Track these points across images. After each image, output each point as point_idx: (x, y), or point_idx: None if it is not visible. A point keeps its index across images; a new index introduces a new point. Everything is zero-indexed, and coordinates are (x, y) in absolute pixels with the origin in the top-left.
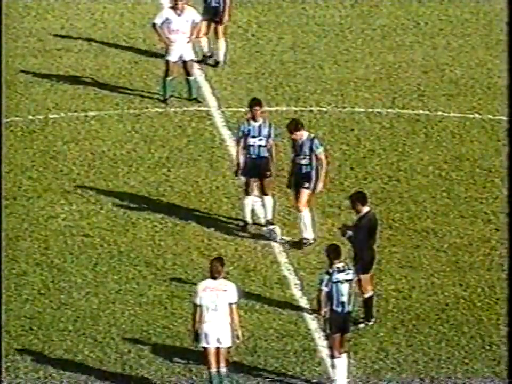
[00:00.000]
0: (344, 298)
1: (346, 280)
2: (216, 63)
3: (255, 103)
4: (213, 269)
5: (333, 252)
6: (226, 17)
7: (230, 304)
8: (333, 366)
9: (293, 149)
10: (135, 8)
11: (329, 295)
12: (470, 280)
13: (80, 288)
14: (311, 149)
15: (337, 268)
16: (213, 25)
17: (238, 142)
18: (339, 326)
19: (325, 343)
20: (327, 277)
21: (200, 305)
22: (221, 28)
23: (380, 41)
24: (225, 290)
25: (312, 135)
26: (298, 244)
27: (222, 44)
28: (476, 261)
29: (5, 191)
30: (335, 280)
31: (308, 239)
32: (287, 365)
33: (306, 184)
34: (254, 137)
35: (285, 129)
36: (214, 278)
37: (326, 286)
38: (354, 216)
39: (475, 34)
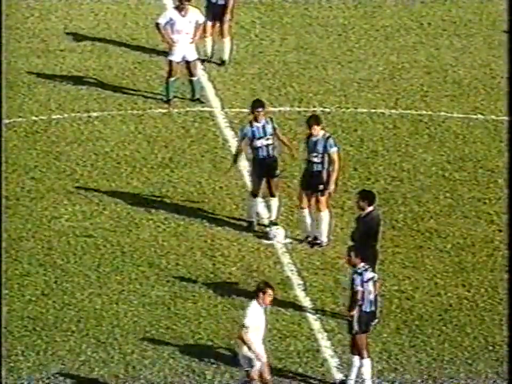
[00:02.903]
0: (372, 297)
1: (372, 278)
2: (222, 62)
3: (258, 105)
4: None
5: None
6: (229, 15)
7: (242, 325)
8: (362, 366)
9: (306, 147)
10: (138, 8)
11: (362, 295)
12: (473, 280)
13: (83, 288)
14: (324, 148)
15: (363, 267)
16: (217, 24)
17: (239, 145)
18: (367, 325)
19: (328, 343)
20: (359, 277)
21: None
22: (226, 26)
23: (383, 42)
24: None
25: (328, 134)
26: (310, 244)
27: (227, 42)
28: (479, 262)
29: (8, 191)
30: (366, 280)
31: (322, 241)
32: (290, 365)
33: (321, 187)
34: (260, 138)
35: (288, 131)
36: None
37: (361, 286)
38: (357, 214)
39: (478, 35)
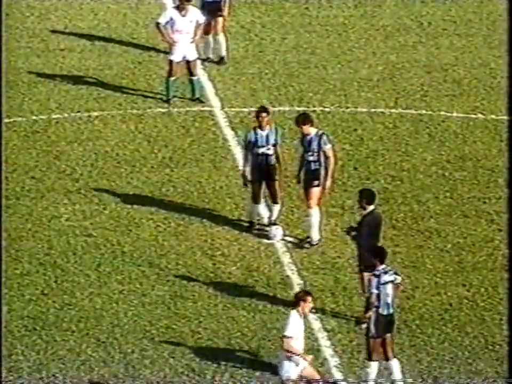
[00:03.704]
0: (389, 300)
1: (391, 282)
2: (220, 59)
3: (261, 110)
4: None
5: (381, 255)
6: (226, 12)
7: (282, 336)
8: (367, 367)
9: (302, 145)
10: (138, 8)
11: (378, 297)
12: (473, 280)
13: (83, 288)
14: (319, 146)
15: (383, 269)
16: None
17: (245, 153)
18: (384, 328)
19: (328, 343)
20: (376, 279)
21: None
22: (220, 22)
23: (383, 41)
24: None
25: (321, 131)
26: (302, 243)
27: (222, 38)
28: (479, 261)
29: (8, 191)
30: (383, 282)
31: (313, 239)
32: None
33: (316, 182)
34: (262, 146)
35: (288, 130)
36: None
37: (377, 288)
38: (358, 214)
39: (478, 34)
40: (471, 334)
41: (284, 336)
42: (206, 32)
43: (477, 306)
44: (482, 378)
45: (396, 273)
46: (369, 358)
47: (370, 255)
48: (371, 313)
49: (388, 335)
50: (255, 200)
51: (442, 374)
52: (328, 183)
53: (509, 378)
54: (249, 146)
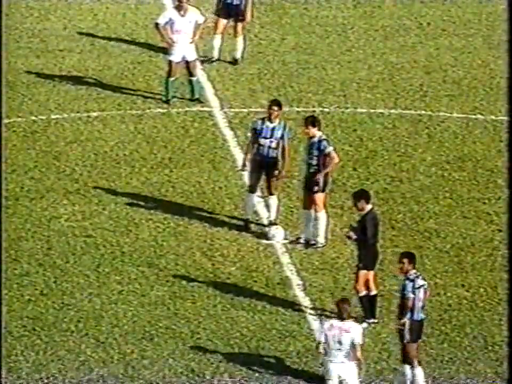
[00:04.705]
0: (421, 304)
1: (423, 286)
2: (235, 61)
3: (274, 103)
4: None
5: (414, 259)
6: (249, 16)
7: (353, 344)
8: (411, 374)
9: (306, 148)
10: (138, 8)
11: (413, 302)
12: (472, 280)
13: (83, 288)
14: (319, 150)
15: (414, 273)
16: (229, 24)
17: (250, 141)
18: (417, 333)
19: None
20: (411, 283)
21: (325, 343)
22: (240, 26)
23: (382, 41)
24: (348, 332)
25: (323, 137)
26: (306, 245)
27: (240, 41)
28: (478, 262)
29: (8, 191)
30: (417, 286)
31: (318, 242)
32: (290, 365)
33: (315, 188)
34: (265, 138)
35: (288, 131)
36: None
37: (413, 293)
38: (357, 215)
39: (477, 35)
40: (470, 335)
41: (359, 345)
42: (216, 31)
43: (476, 307)
44: (481, 379)
45: (423, 279)
46: (412, 365)
47: (372, 254)
48: (406, 320)
49: (418, 341)
50: (250, 189)
51: (442, 375)
52: (321, 174)
53: (508, 379)
54: (254, 134)
